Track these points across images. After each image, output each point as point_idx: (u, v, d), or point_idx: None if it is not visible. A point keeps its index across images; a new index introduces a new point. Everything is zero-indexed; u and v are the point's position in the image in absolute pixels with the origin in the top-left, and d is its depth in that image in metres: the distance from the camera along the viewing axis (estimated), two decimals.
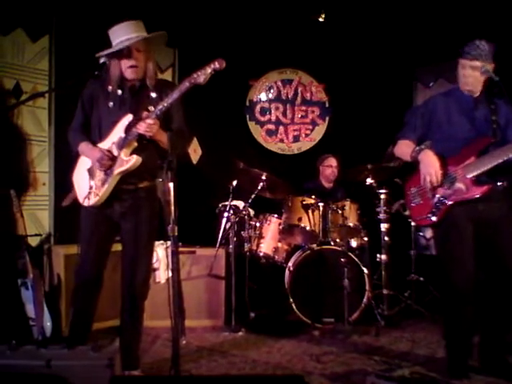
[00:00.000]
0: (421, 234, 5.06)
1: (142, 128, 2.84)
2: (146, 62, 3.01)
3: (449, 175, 3.07)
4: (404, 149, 3.27)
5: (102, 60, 2.91)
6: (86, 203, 3.01)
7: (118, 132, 2.97)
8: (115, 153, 2.95)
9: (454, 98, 3.18)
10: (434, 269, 3.50)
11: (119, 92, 3.02)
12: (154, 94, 3.04)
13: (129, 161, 2.92)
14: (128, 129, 2.93)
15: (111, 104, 3.02)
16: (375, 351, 3.70)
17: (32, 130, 4.49)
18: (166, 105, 2.81)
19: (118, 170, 2.94)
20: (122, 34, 2.93)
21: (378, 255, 4.59)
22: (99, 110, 3.05)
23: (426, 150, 3.12)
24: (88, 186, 3.03)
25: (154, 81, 3.06)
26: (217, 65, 2.66)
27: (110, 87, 3.02)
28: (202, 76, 2.67)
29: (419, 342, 3.93)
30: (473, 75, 3.07)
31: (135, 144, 2.96)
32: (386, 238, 4.54)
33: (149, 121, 2.83)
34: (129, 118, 2.95)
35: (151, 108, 2.91)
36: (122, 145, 2.94)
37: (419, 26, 5.38)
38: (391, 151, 3.47)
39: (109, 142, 2.99)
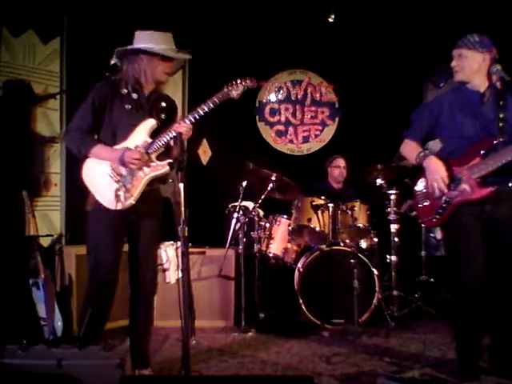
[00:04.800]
0: (431, 235, 5.04)
1: (183, 129, 2.86)
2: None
3: (454, 176, 3.05)
4: (409, 151, 3.27)
5: (112, 61, 2.93)
6: (119, 206, 2.93)
7: (141, 136, 2.97)
8: (144, 156, 2.95)
9: (460, 94, 3.15)
10: (444, 270, 3.49)
11: (134, 95, 3.03)
12: (164, 104, 3.11)
13: (164, 165, 2.95)
14: (154, 134, 2.96)
15: (128, 106, 3.01)
16: (385, 352, 3.69)
17: (44, 131, 4.53)
18: (201, 113, 2.87)
19: (154, 173, 2.96)
20: (166, 42, 2.99)
21: (387, 256, 4.58)
22: (114, 112, 3.01)
23: (430, 156, 3.11)
24: (113, 189, 2.94)
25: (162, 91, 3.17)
26: (249, 83, 2.82)
27: (125, 90, 3.02)
28: (234, 91, 2.83)
29: (429, 343, 3.91)
30: (458, 64, 3.07)
31: (162, 149, 2.99)
32: (396, 239, 4.53)
33: (187, 123, 2.86)
34: (151, 122, 2.98)
35: (162, 116, 3.02)
36: (149, 148, 2.95)
37: (429, 26, 5.36)
38: None
39: (131, 145, 2.96)
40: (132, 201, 2.95)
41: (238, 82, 2.81)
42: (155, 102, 3.08)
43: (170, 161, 2.94)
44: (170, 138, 2.91)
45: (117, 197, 2.93)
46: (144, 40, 2.97)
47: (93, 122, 3.02)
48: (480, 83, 3.09)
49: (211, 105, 2.85)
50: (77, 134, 3.01)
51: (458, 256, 3.11)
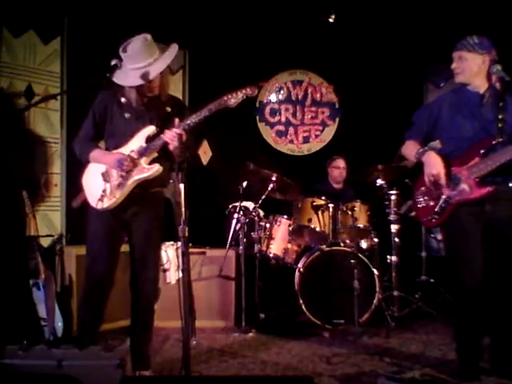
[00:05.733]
0: (432, 235, 5.04)
1: (169, 137, 2.84)
2: (162, 79, 3.05)
3: (453, 176, 3.06)
4: (409, 150, 3.28)
5: (113, 62, 2.92)
6: (99, 206, 2.99)
7: (138, 141, 2.99)
8: (134, 160, 2.97)
9: (460, 95, 3.16)
10: (444, 270, 3.49)
11: (134, 104, 3.04)
12: (169, 109, 3.10)
13: (150, 169, 2.96)
14: (150, 139, 2.97)
15: (127, 115, 3.03)
16: (385, 353, 3.69)
17: (44, 132, 4.53)
18: (194, 121, 2.85)
19: (139, 176, 2.96)
20: (140, 60, 2.91)
21: (388, 256, 4.58)
22: (113, 120, 3.06)
23: (429, 151, 3.12)
24: (101, 189, 3.01)
25: (167, 95, 3.13)
26: (249, 91, 2.77)
27: (124, 99, 3.04)
28: (232, 99, 2.77)
29: (430, 343, 3.91)
30: (458, 67, 3.08)
31: (155, 154, 3.00)
32: (397, 240, 4.53)
33: (177, 131, 2.83)
34: (150, 129, 2.99)
35: (167, 121, 2.97)
36: (142, 153, 2.96)
37: (429, 26, 5.35)
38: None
39: (127, 150, 3.00)
40: (112, 202, 2.98)
41: (238, 91, 2.79)
42: (158, 109, 3.07)
43: (157, 165, 2.96)
44: (162, 144, 2.92)
45: (101, 196, 3.01)
46: (125, 62, 2.94)
47: (95, 134, 3.15)
48: (480, 84, 3.09)
49: (207, 113, 2.83)
50: (80, 143, 3.16)
51: (457, 256, 3.11)
